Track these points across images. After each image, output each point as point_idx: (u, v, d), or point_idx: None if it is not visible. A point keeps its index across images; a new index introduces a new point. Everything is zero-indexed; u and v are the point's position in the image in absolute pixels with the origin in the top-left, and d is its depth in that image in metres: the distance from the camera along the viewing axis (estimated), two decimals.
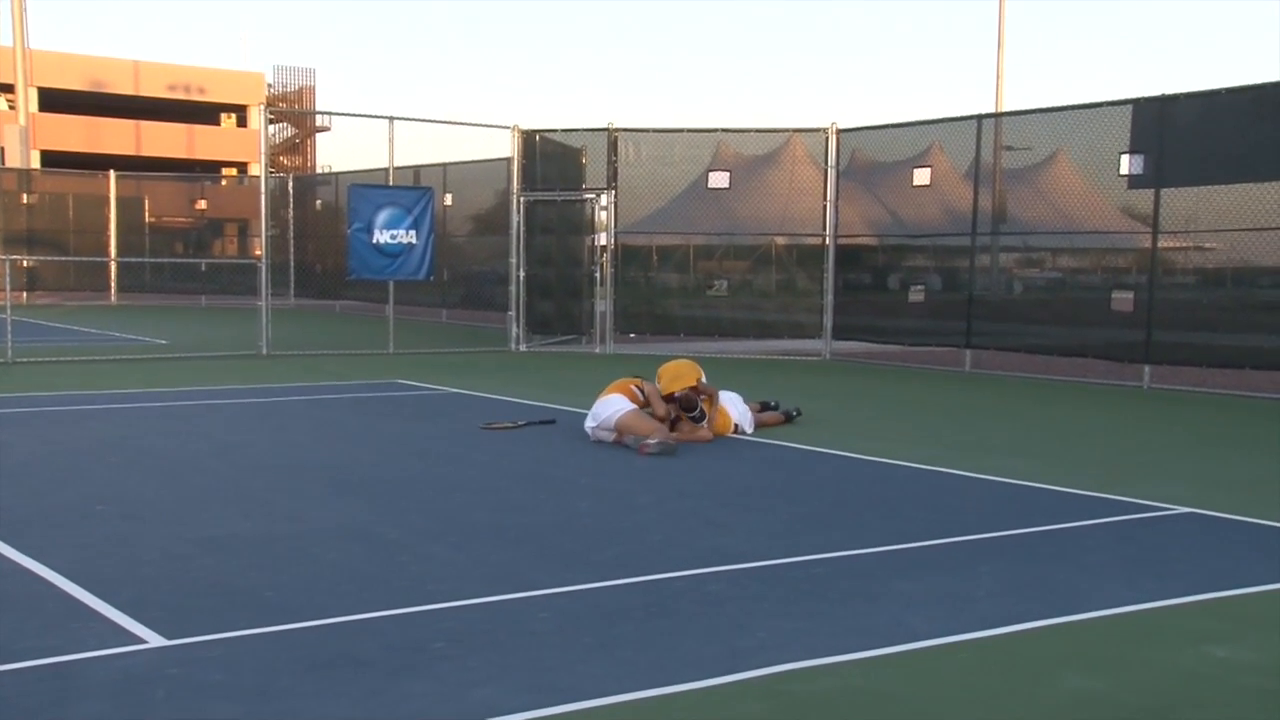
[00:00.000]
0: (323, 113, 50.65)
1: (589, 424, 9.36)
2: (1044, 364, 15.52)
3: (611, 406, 9.21)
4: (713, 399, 9.70)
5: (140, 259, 31.72)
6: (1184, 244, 14.92)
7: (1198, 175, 14.15)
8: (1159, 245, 14.33)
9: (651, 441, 8.81)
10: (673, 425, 9.39)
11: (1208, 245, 14.86)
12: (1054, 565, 5.70)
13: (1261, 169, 13.45)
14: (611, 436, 9.15)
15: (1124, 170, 14.54)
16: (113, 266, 32.02)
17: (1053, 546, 6.12)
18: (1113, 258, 16.46)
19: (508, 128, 18.68)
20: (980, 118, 16.48)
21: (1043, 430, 10.93)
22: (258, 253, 18.29)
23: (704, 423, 9.50)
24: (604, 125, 18.41)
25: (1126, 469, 8.54)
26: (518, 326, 18.57)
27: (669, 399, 9.47)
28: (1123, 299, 14.61)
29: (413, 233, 17.55)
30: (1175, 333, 14.18)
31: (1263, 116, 13.54)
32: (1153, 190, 14.18)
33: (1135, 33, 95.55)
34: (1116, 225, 15.46)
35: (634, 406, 9.20)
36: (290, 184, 31.82)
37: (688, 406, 9.48)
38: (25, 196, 32.14)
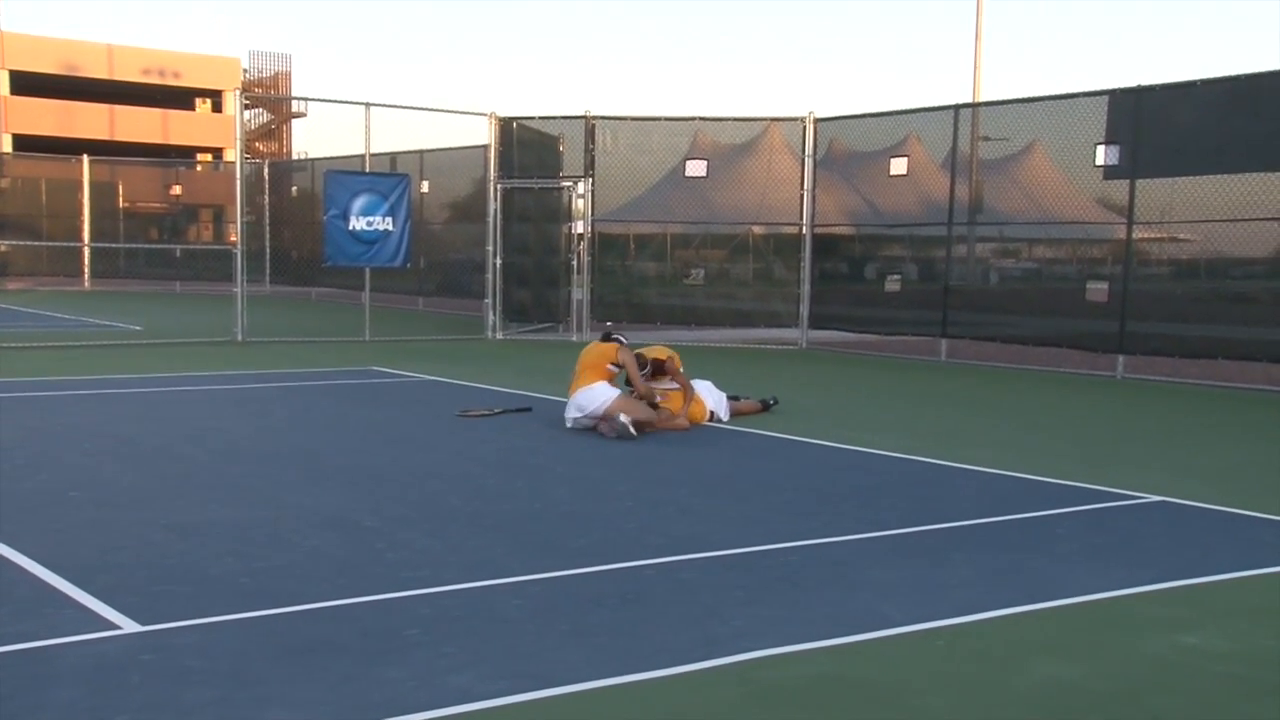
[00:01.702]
0: (299, 98, 50.31)
1: (572, 414, 9.29)
2: (1019, 354, 15.61)
3: (599, 398, 9.12)
4: (686, 392, 9.71)
5: (114, 244, 31.50)
6: (1158, 235, 15.01)
7: (1172, 166, 14.25)
8: (1134, 236, 14.43)
9: (610, 422, 8.88)
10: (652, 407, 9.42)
11: (1182, 236, 14.96)
12: (1027, 553, 5.74)
13: (1235, 160, 13.55)
14: (594, 423, 9.12)
15: (1099, 161, 14.61)
16: (86, 252, 31.79)
17: (1025, 535, 6.17)
18: (1088, 248, 16.55)
19: (485, 115, 18.62)
20: (957, 108, 16.54)
21: (1016, 420, 11.00)
22: (233, 239, 18.23)
23: (668, 383, 9.60)
24: (581, 113, 18.39)
25: (1099, 458, 8.60)
26: (494, 314, 18.53)
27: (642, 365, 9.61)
28: (1097, 289, 14.70)
29: (389, 220, 17.49)
30: (1149, 323, 14.28)
31: (1237, 108, 13.63)
32: (1128, 181, 14.27)
33: (1112, 24, 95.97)
34: (1092, 216, 15.55)
35: (619, 393, 9.18)
36: (266, 170, 31.63)
37: (654, 370, 9.64)
38: None
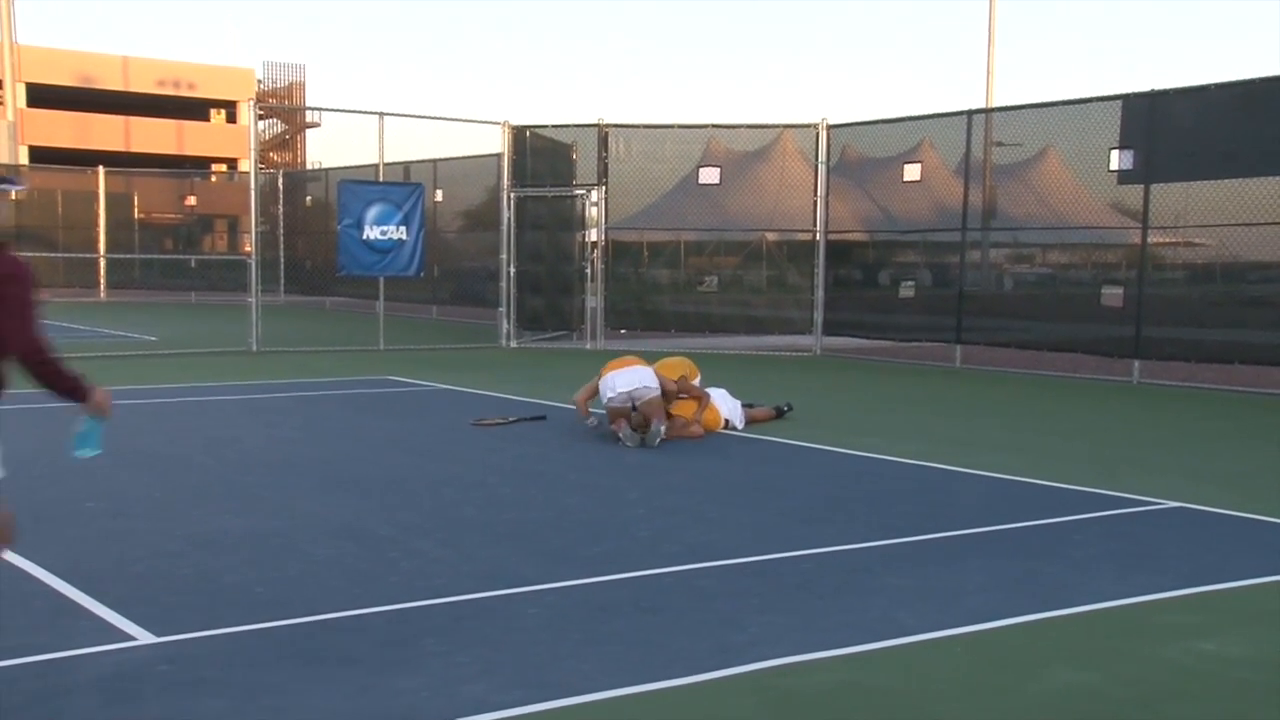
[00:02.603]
0: (313, 108, 50.53)
1: (630, 386, 9.09)
2: (1034, 359, 15.56)
3: (646, 380, 9.12)
4: (701, 400, 9.69)
5: (129, 255, 31.64)
6: (1173, 239, 14.96)
7: (1187, 171, 14.19)
8: (1149, 241, 14.37)
9: (626, 427, 8.97)
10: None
11: (1197, 241, 14.90)
12: (1043, 560, 5.71)
13: (1250, 164, 13.49)
14: (626, 403, 9.11)
15: (1114, 166, 14.57)
16: (102, 263, 31.93)
17: (1042, 541, 6.14)
18: (1102, 253, 16.50)
19: (498, 124, 18.66)
20: (971, 113, 16.49)
21: (1032, 425, 10.95)
22: (247, 249, 18.28)
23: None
24: (594, 121, 18.42)
25: (1116, 464, 8.56)
26: (508, 323, 18.55)
27: None
28: (1112, 294, 14.65)
29: (403, 229, 17.52)
30: (1164, 328, 14.23)
31: (1251, 112, 13.58)
32: (1142, 186, 14.22)
33: (1126, 28, 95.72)
34: (1106, 221, 15.50)
35: (659, 394, 9.22)
36: (280, 180, 31.74)
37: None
38: (14, 193, 32.03)
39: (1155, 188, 14.14)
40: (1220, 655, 4.39)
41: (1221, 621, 4.83)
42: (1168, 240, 14.96)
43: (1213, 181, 13.94)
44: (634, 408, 9.10)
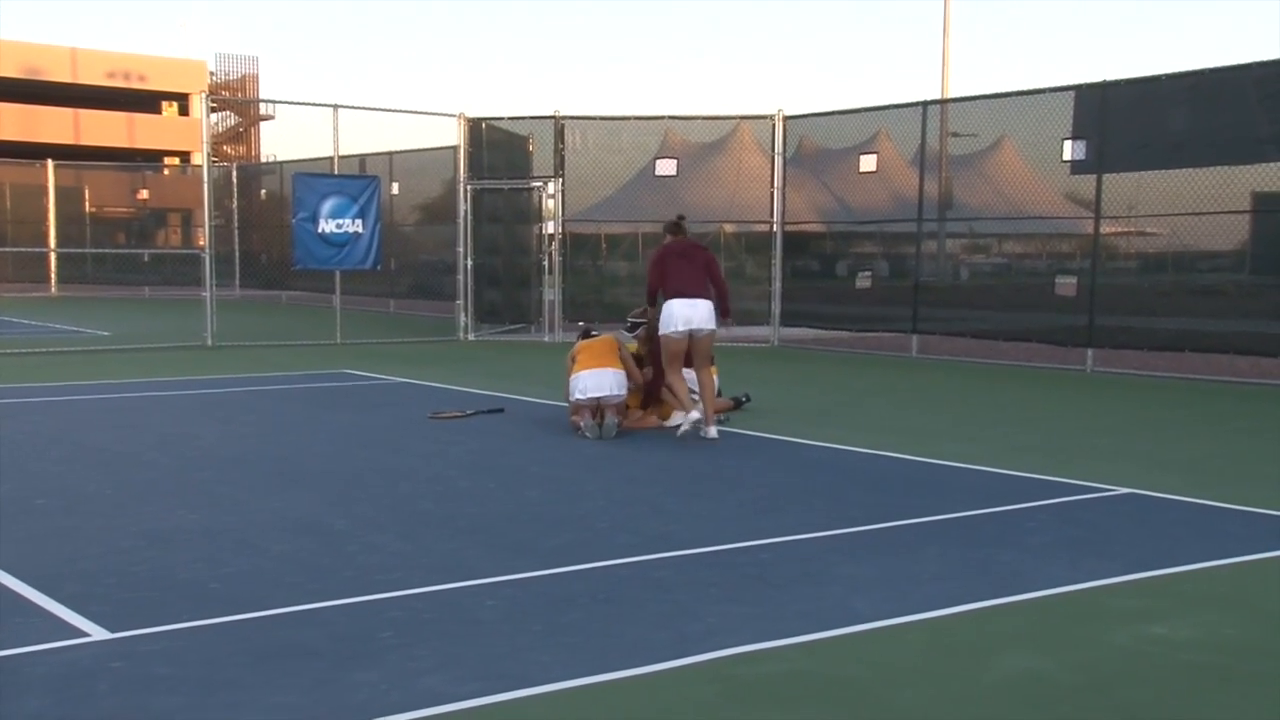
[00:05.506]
0: (266, 101, 49.92)
1: (599, 393, 9.05)
2: (989, 349, 15.70)
3: (613, 386, 9.09)
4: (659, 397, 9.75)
5: (81, 250, 31.23)
6: (1125, 229, 15.14)
7: (1138, 161, 14.36)
8: (1101, 230, 14.53)
9: (588, 419, 8.97)
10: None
11: (1148, 230, 15.08)
12: (998, 547, 5.77)
13: (1200, 154, 13.67)
14: (593, 403, 9.09)
15: (1067, 156, 14.70)
16: (52, 257, 31.49)
17: (997, 528, 6.20)
18: (1056, 243, 16.66)
19: (454, 115, 18.58)
20: (926, 104, 16.60)
21: (987, 414, 11.05)
22: (201, 243, 18.09)
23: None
24: (550, 113, 18.38)
25: (1069, 451, 8.66)
26: (466, 315, 18.49)
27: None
28: (1066, 284, 14.80)
29: (359, 222, 17.41)
30: (1117, 317, 14.40)
31: (1201, 103, 13.75)
32: (1095, 176, 14.36)
33: (1078, 19, 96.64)
34: (1060, 211, 15.65)
35: (625, 399, 9.21)
36: (234, 173, 31.42)
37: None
38: None
39: (1107, 178, 14.30)
40: (1170, 639, 4.46)
41: (1172, 606, 4.90)
42: (1120, 230, 15.13)
43: (1163, 171, 14.11)
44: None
